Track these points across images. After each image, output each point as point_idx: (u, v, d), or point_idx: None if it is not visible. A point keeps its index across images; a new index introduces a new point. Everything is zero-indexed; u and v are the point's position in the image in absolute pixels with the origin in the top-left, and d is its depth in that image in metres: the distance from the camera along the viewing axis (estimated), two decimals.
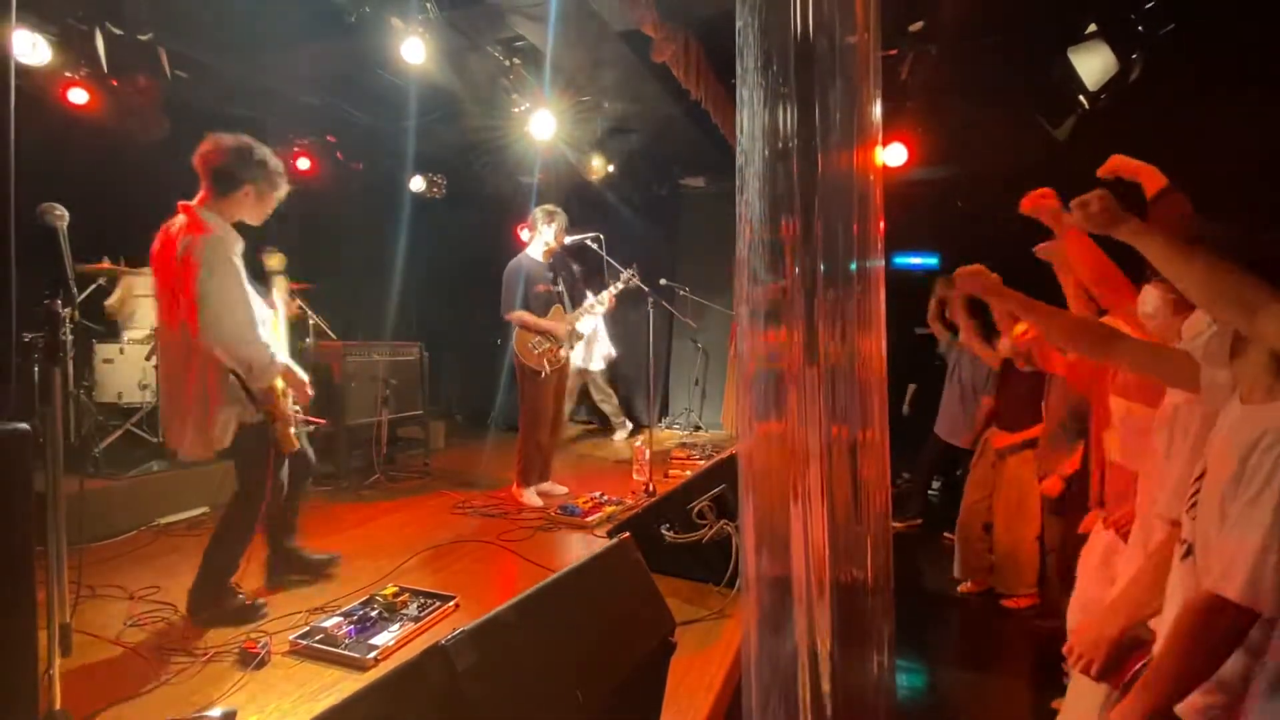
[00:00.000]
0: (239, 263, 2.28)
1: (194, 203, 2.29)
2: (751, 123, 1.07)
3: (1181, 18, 3.37)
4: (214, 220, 2.27)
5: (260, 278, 2.57)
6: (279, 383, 2.35)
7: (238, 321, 2.20)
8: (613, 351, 6.22)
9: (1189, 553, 1.09)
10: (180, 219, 2.23)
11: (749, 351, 1.11)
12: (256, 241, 2.59)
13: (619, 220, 6.76)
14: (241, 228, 2.41)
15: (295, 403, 2.46)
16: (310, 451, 2.67)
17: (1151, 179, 1.71)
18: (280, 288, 2.66)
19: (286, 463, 2.46)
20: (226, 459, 2.39)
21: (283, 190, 2.47)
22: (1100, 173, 1.83)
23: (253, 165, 2.34)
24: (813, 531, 1.04)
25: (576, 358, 5.56)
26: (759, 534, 1.08)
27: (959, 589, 3.72)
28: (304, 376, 2.47)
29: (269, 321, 2.40)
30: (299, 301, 4.54)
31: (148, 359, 4.01)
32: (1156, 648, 1.13)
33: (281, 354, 2.36)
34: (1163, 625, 1.16)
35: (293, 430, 2.39)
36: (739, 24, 1.06)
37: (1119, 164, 1.76)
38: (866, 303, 1.13)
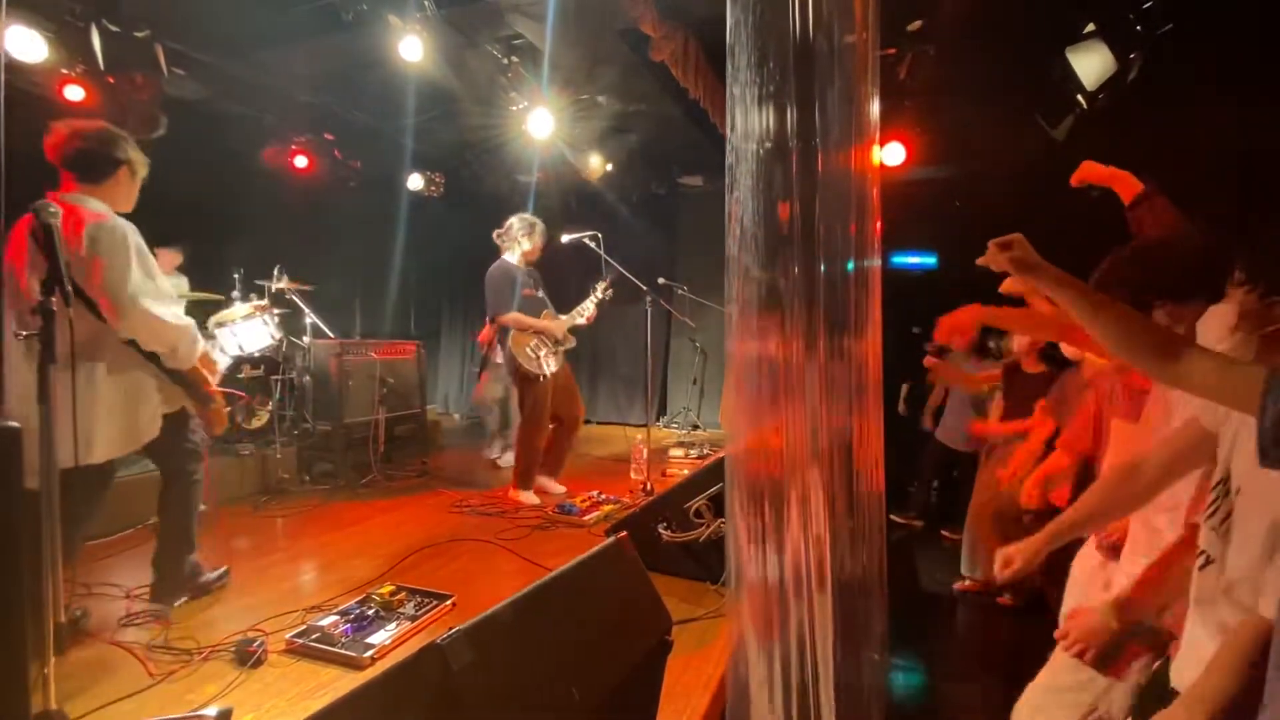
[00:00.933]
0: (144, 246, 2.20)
1: (64, 192, 2.17)
2: (744, 120, 1.07)
3: (1180, 18, 3.38)
4: (103, 207, 2.18)
5: None
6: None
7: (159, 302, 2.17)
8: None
9: (1208, 562, 1.08)
10: (53, 209, 1.76)
11: (739, 350, 1.10)
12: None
13: (617, 219, 6.76)
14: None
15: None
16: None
17: (1126, 185, 1.67)
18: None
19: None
20: (152, 453, 2.39)
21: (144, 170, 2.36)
22: (1072, 181, 1.82)
23: (125, 146, 2.25)
24: (808, 530, 1.04)
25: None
26: (752, 533, 1.08)
27: (956, 585, 3.73)
28: (210, 356, 2.47)
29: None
30: (289, 294, 4.53)
31: None
32: (1192, 671, 1.07)
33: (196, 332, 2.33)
34: (1186, 625, 1.17)
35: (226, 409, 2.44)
36: (731, 21, 1.06)
37: (1087, 172, 1.74)
38: (863, 303, 1.13)
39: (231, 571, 2.70)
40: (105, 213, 2.16)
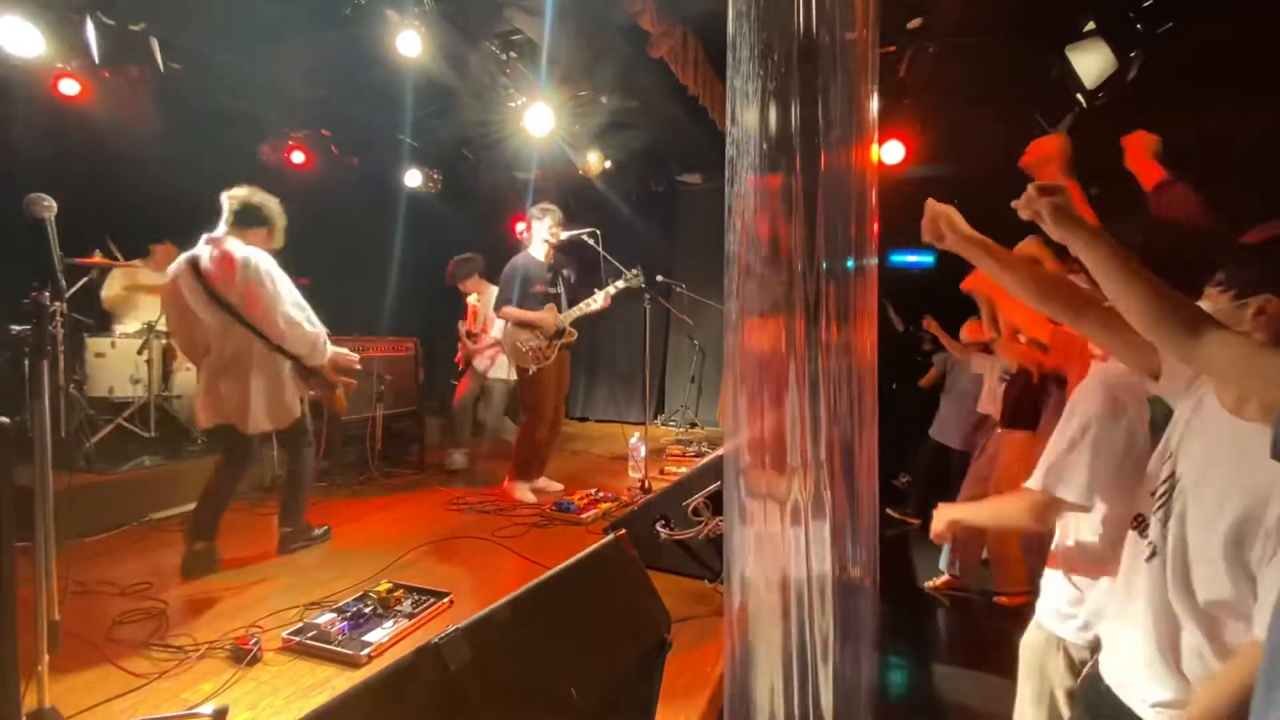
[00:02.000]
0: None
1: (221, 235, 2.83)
2: (744, 114, 1.05)
3: (1179, 16, 3.37)
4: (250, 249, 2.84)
5: None
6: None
7: (301, 317, 2.88)
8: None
9: (1154, 555, 1.08)
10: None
11: (738, 347, 1.10)
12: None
13: (616, 216, 6.74)
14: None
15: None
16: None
17: (1149, 170, 1.69)
18: None
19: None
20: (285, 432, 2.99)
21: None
22: (1127, 159, 1.83)
23: (277, 214, 2.99)
24: (806, 527, 1.03)
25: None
26: (750, 531, 1.07)
27: (927, 584, 3.73)
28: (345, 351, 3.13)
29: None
30: None
31: (139, 353, 3.98)
32: (1204, 687, 1.04)
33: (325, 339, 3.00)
34: (1111, 618, 1.22)
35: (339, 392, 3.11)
36: (733, 12, 1.04)
37: (1134, 148, 1.75)
38: (861, 301, 1.12)
39: (228, 568, 2.73)
40: (256, 251, 2.83)
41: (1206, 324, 0.92)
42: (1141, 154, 1.77)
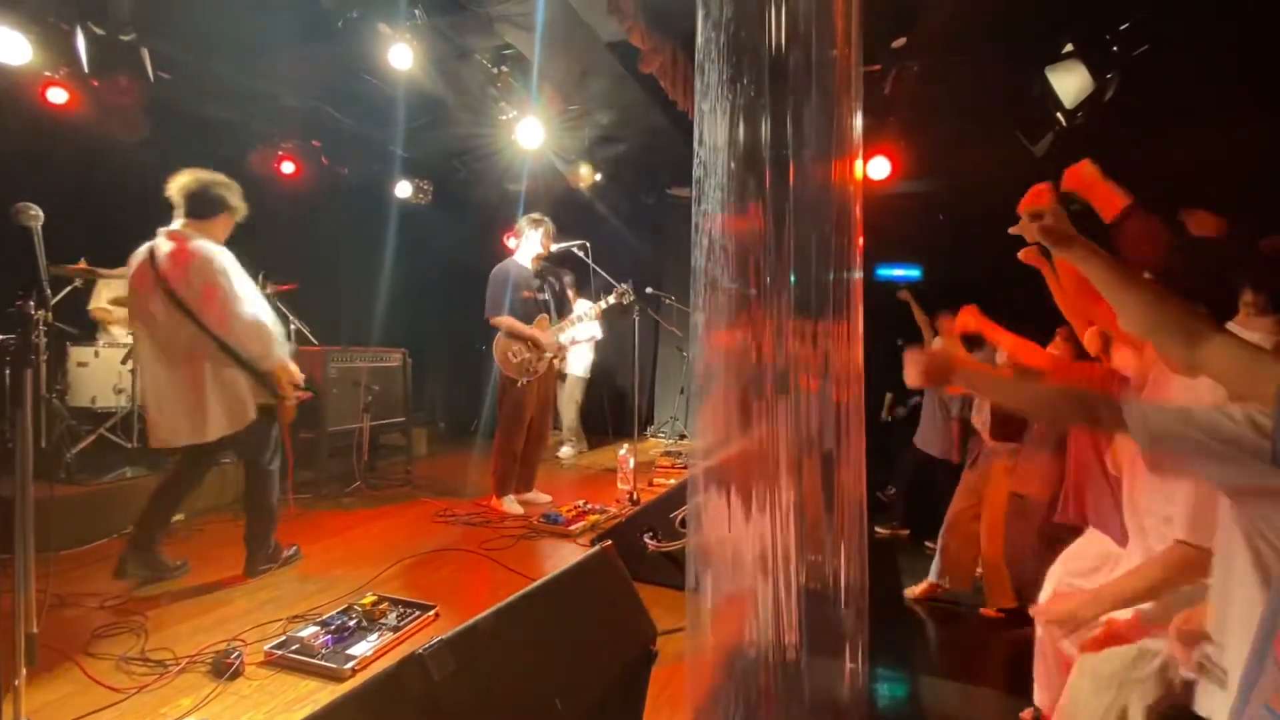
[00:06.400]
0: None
1: (179, 228, 2.68)
2: (713, 134, 1.08)
3: (1155, 39, 3.47)
4: (209, 240, 2.69)
5: None
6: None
7: (257, 315, 2.68)
8: (587, 362, 6.06)
9: None
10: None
11: (704, 359, 1.11)
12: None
13: (606, 229, 6.77)
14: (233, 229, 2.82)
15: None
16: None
17: (1107, 200, 1.51)
18: None
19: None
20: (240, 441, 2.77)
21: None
22: (1062, 187, 1.78)
23: (230, 193, 2.76)
24: (782, 541, 1.04)
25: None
26: (722, 545, 1.08)
27: (906, 592, 3.75)
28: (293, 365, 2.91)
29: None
30: (274, 300, 4.51)
31: (123, 362, 3.94)
32: None
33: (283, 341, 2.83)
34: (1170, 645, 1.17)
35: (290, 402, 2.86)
36: (701, 39, 1.08)
37: (1073, 180, 1.55)
38: (843, 314, 1.14)
39: (209, 581, 2.69)
40: (208, 245, 2.65)
41: (1206, 328, 0.93)
42: (1093, 184, 1.56)
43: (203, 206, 2.69)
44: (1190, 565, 1.26)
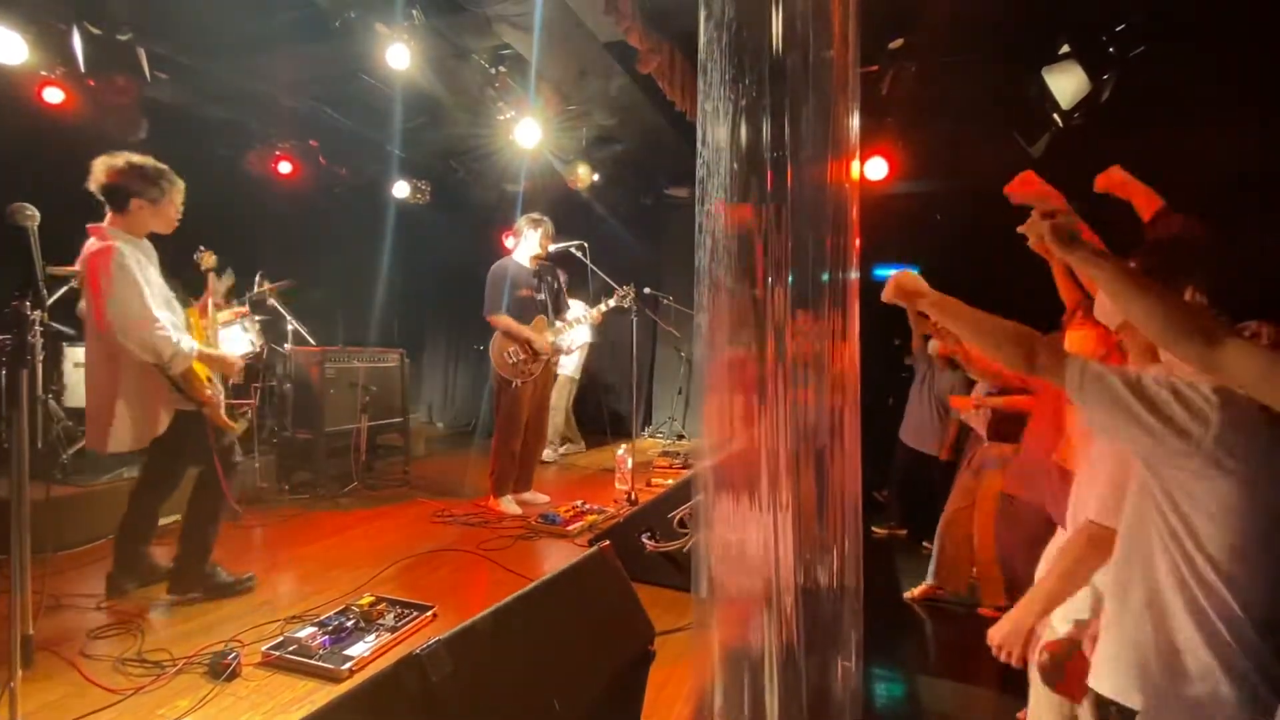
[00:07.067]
0: (135, 267, 2.43)
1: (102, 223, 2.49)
2: (715, 135, 1.09)
3: (1151, 41, 3.49)
4: (115, 233, 2.46)
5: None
6: (199, 368, 2.53)
7: (140, 316, 2.38)
8: (576, 362, 6.03)
9: None
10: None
11: (708, 360, 1.12)
12: (193, 242, 2.75)
13: (604, 229, 6.77)
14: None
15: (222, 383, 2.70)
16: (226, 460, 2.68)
17: (1148, 200, 1.58)
18: (213, 286, 2.86)
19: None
20: (169, 450, 2.57)
21: (178, 195, 2.62)
22: (1096, 186, 1.79)
23: (139, 181, 2.52)
24: (779, 541, 1.05)
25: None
26: (724, 544, 1.08)
27: (906, 594, 3.75)
28: (229, 356, 2.69)
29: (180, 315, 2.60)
30: (270, 300, 4.50)
31: None
32: None
33: (188, 340, 2.50)
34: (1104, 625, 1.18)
35: (223, 412, 2.61)
36: (703, 39, 1.08)
37: (1111, 179, 1.64)
38: (840, 314, 1.14)
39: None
40: (112, 238, 2.42)
41: (1224, 334, 0.92)
42: (1126, 184, 1.65)
43: (112, 199, 2.49)
44: (1097, 544, 1.26)
